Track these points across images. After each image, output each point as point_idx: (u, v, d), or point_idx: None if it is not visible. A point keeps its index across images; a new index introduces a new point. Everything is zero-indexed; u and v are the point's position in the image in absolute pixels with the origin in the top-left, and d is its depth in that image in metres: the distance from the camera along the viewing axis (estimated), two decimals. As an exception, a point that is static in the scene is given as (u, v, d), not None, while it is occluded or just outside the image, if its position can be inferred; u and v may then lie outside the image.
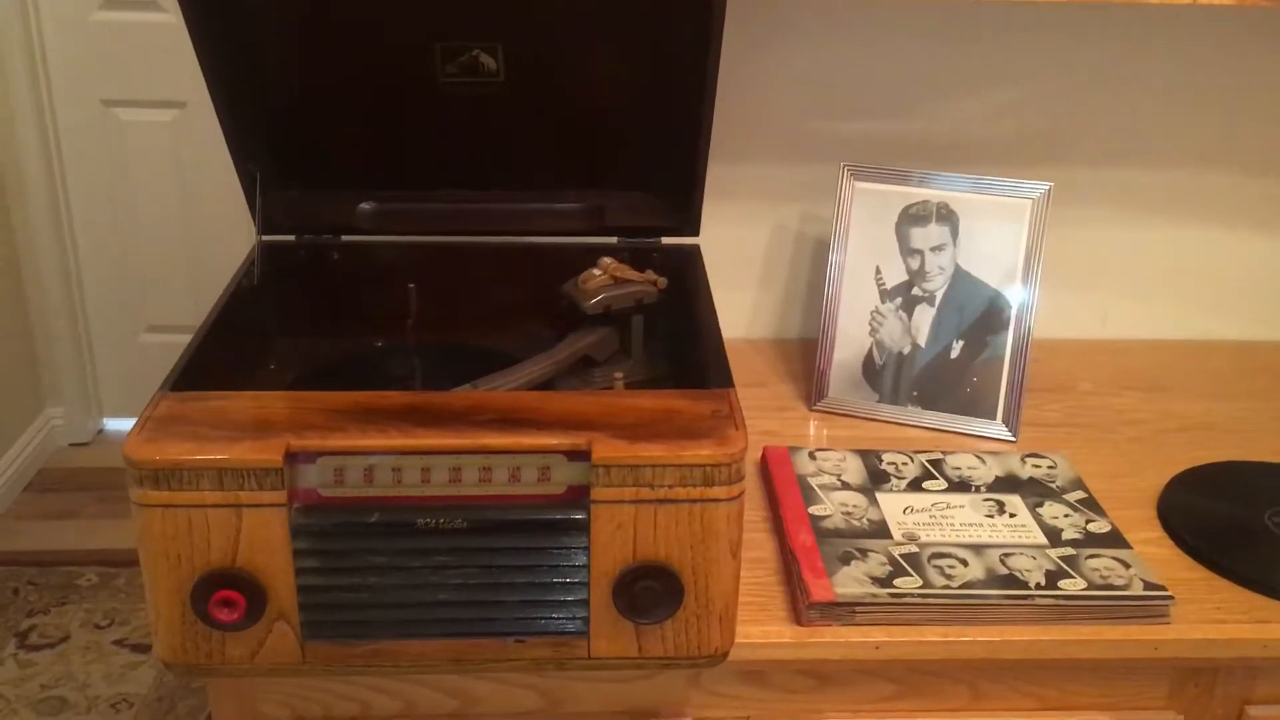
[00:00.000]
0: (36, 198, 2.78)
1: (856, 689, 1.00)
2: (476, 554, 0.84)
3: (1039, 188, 1.22)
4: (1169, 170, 1.41)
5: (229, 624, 0.82)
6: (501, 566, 0.84)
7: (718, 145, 1.12)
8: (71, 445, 3.01)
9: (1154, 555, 1.04)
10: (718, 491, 0.82)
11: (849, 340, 1.28)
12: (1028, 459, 1.16)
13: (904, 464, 1.14)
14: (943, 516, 1.06)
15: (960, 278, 1.25)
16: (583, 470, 0.82)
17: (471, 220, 1.20)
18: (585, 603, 0.85)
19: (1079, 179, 1.39)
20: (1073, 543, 1.03)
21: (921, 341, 1.26)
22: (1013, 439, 1.22)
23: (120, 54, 2.70)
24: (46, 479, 2.88)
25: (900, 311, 1.26)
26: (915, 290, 1.26)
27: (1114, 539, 1.04)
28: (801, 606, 0.95)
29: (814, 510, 1.06)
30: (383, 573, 0.83)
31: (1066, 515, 1.07)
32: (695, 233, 1.19)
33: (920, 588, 0.96)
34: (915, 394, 1.26)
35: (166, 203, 2.84)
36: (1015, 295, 1.23)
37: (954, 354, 1.25)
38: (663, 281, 1.15)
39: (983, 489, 1.11)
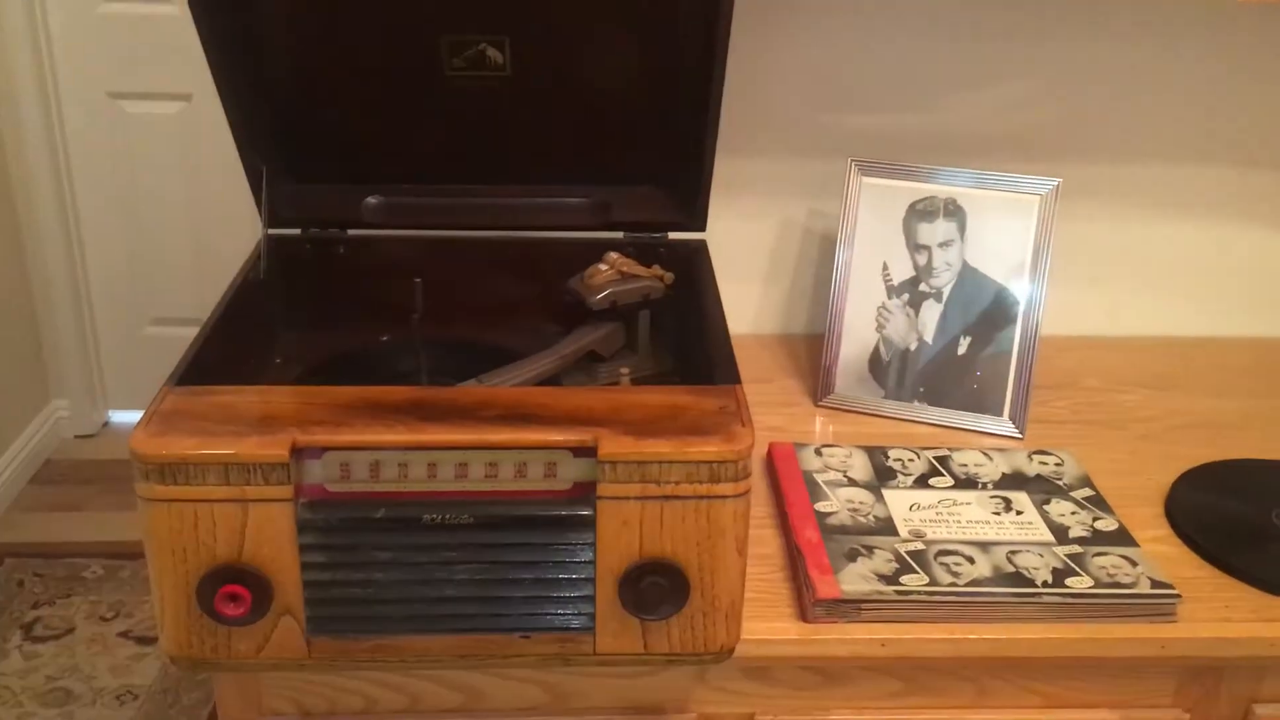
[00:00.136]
0: (42, 190, 2.79)
1: (862, 686, 1.00)
2: (482, 550, 0.83)
3: (1047, 183, 1.22)
4: (1178, 166, 1.41)
5: (235, 619, 0.82)
6: (507, 562, 0.84)
7: (725, 140, 1.12)
8: (77, 437, 3.01)
9: (1161, 553, 1.03)
10: (724, 488, 0.82)
11: (855, 336, 1.28)
12: (1035, 456, 1.16)
13: (910, 460, 1.14)
14: (949, 513, 1.06)
15: (968, 274, 1.24)
16: (589, 466, 0.82)
17: (477, 215, 1.19)
18: (591, 599, 0.85)
19: (1088, 174, 1.39)
20: (1080, 540, 1.02)
21: (928, 337, 1.26)
22: (1020, 436, 1.22)
23: (126, 46, 2.70)
24: (52, 471, 2.88)
25: (907, 307, 1.26)
26: (922, 286, 1.25)
27: (1121, 537, 1.03)
28: (807, 603, 0.95)
29: (820, 506, 1.06)
30: (388, 568, 0.83)
31: (1074, 513, 1.07)
32: (702, 228, 1.19)
33: (926, 585, 0.95)
34: (922, 390, 1.26)
35: (172, 195, 2.84)
36: (1023, 291, 1.23)
37: (961, 350, 1.25)
38: (669, 277, 1.15)
39: (989, 486, 1.11)
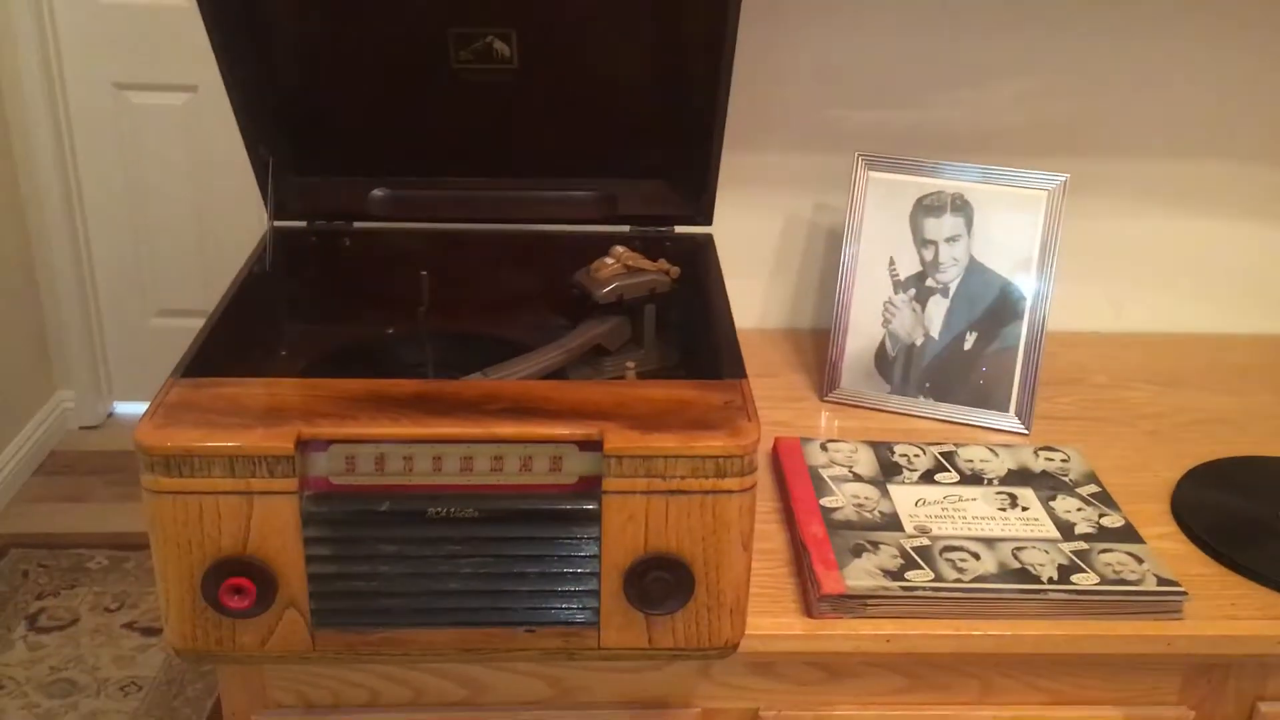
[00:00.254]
0: (48, 181, 2.79)
1: (867, 681, 1.00)
2: (487, 543, 0.83)
3: (1055, 179, 1.21)
4: (1186, 162, 1.40)
5: (239, 611, 0.82)
6: (512, 556, 0.84)
7: (731, 134, 1.11)
8: (82, 428, 3.02)
9: (1167, 550, 1.03)
10: (730, 483, 0.82)
11: (861, 331, 1.27)
12: (1040, 452, 1.16)
13: (916, 456, 1.14)
14: (955, 509, 1.06)
15: (974, 269, 1.24)
16: (594, 460, 0.82)
17: (484, 208, 1.19)
18: (596, 593, 0.85)
19: (1095, 170, 1.38)
20: (1086, 537, 1.02)
21: (934, 333, 1.25)
22: (1025, 432, 1.22)
23: (132, 37, 2.70)
24: (57, 462, 2.89)
25: (913, 302, 1.26)
26: (929, 281, 1.25)
27: (1127, 533, 1.03)
28: (812, 598, 0.95)
29: (825, 502, 1.06)
30: (393, 561, 0.83)
31: (1079, 509, 1.06)
32: (708, 222, 1.18)
33: (932, 581, 0.95)
34: (928, 385, 1.25)
35: (178, 187, 2.84)
36: (1029, 287, 1.22)
37: (967, 345, 1.24)
38: (675, 271, 1.15)
39: (995, 482, 1.10)
